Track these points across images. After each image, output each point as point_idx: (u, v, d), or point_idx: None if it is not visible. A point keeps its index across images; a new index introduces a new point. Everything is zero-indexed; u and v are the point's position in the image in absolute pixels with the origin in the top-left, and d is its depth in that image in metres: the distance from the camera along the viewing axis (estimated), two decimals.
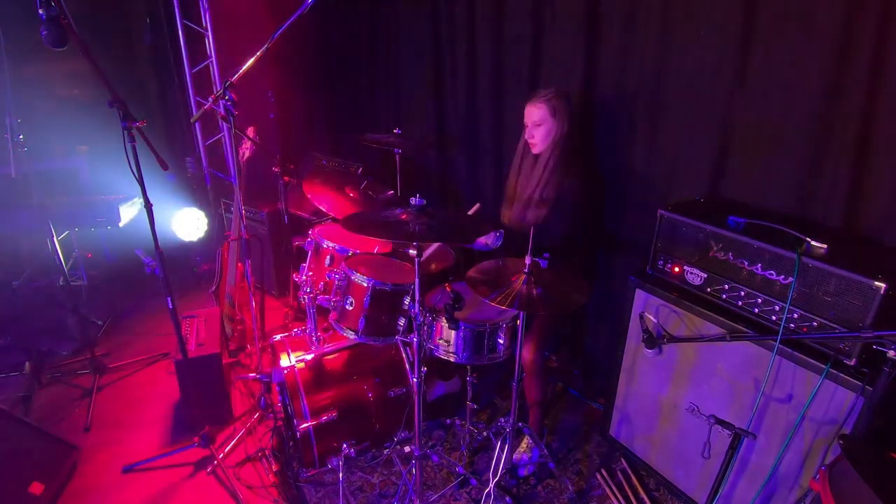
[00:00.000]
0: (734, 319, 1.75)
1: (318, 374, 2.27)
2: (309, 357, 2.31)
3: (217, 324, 2.70)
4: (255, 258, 3.66)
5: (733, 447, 1.50)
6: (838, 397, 1.51)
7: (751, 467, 1.79)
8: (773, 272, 1.64)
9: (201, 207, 4.12)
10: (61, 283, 2.79)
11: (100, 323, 3.41)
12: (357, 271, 2.06)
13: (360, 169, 3.48)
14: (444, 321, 1.88)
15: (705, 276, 1.84)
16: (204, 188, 4.26)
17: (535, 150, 2.26)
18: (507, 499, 2.10)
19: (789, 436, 1.62)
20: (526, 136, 2.25)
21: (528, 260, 1.76)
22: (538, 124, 2.18)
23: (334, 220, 2.85)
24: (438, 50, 3.24)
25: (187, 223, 4.06)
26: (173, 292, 2.00)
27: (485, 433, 2.40)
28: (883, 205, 1.67)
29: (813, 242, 1.59)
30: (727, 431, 1.51)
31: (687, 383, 1.94)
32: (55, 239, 2.70)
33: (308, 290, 2.29)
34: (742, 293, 1.74)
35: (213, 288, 3.10)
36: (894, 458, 1.28)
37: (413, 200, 1.69)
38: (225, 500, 2.16)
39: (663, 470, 2.13)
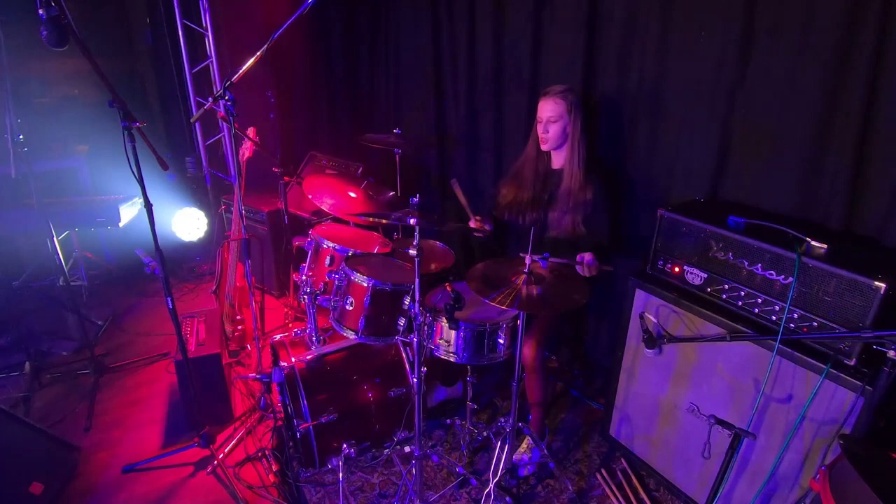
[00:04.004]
0: (734, 319, 1.75)
1: (318, 374, 2.27)
2: (309, 357, 2.31)
3: (217, 324, 2.70)
4: (255, 258, 3.66)
5: (733, 447, 1.50)
6: (838, 397, 1.51)
7: (751, 467, 1.79)
8: (773, 272, 1.64)
9: (201, 207, 4.12)
10: (61, 283, 2.78)
11: (100, 323, 3.41)
12: (357, 271, 2.06)
13: (361, 169, 3.48)
14: (445, 321, 1.88)
15: (705, 276, 1.84)
16: (204, 188, 4.26)
17: (544, 147, 2.22)
18: (507, 499, 2.10)
19: (789, 436, 1.62)
20: (539, 132, 2.20)
21: (528, 260, 1.76)
22: (554, 120, 2.14)
23: (334, 220, 2.85)
24: (438, 50, 3.25)
25: (187, 223, 4.06)
26: (173, 292, 2.00)
27: (485, 433, 2.40)
28: (883, 205, 1.68)
29: (813, 242, 1.59)
30: (727, 431, 1.51)
31: (687, 383, 1.94)
32: (55, 239, 2.70)
33: (308, 290, 2.29)
34: (742, 293, 1.74)
35: (214, 288, 3.10)
36: (894, 458, 1.28)
37: (412, 200, 1.69)
38: (225, 501, 2.16)
39: (663, 470, 2.13)
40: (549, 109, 2.14)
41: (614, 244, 2.28)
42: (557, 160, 2.29)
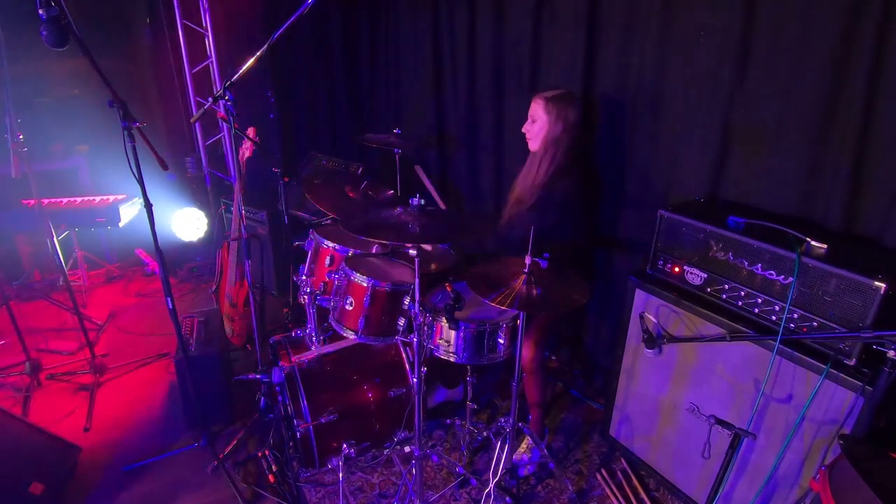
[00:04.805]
0: (734, 319, 1.75)
1: (318, 374, 2.27)
2: (309, 357, 2.31)
3: (217, 324, 2.70)
4: (255, 258, 3.65)
5: (733, 447, 1.51)
6: (838, 397, 1.51)
7: (751, 467, 1.79)
8: (773, 272, 1.64)
9: (201, 207, 4.12)
10: (61, 283, 2.78)
11: (100, 323, 3.41)
12: (357, 271, 2.06)
13: (360, 169, 3.48)
14: (445, 321, 1.88)
15: (705, 276, 1.84)
16: (204, 188, 4.26)
17: (531, 146, 2.27)
18: (507, 499, 2.10)
19: (789, 436, 1.62)
20: (523, 129, 2.27)
21: (528, 260, 1.76)
22: (533, 120, 2.21)
23: (334, 220, 2.85)
24: (438, 50, 3.25)
25: (187, 223, 4.06)
26: (173, 292, 2.00)
27: (485, 433, 2.40)
28: (883, 205, 1.67)
29: (813, 242, 1.59)
30: (727, 431, 1.51)
31: (687, 383, 1.94)
32: (55, 239, 2.70)
33: (308, 291, 2.29)
34: (742, 293, 1.74)
35: (213, 288, 3.10)
36: (894, 458, 1.28)
37: (413, 201, 1.69)
38: (225, 501, 2.16)
39: (663, 470, 2.13)
40: (530, 108, 2.23)
41: (582, 252, 2.31)
42: None
